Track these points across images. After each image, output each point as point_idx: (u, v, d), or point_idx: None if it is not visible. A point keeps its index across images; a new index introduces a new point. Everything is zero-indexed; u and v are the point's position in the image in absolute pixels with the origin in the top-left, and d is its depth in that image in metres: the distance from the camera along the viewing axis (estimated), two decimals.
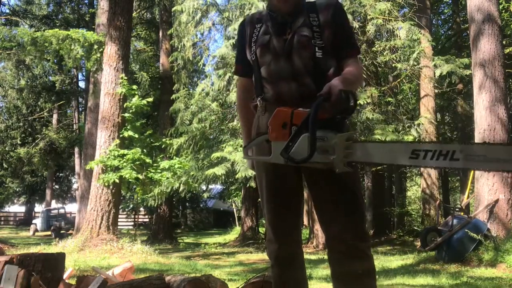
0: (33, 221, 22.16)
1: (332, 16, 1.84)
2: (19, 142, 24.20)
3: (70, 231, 16.42)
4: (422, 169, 11.66)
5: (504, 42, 9.24)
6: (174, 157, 10.60)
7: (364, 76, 10.27)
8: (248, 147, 1.99)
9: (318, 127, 1.61)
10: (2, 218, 30.60)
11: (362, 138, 9.17)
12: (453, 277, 5.23)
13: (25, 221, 27.21)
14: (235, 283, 4.37)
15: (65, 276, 3.31)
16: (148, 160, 9.30)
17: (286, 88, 1.82)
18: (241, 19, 9.74)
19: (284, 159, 1.68)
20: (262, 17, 1.95)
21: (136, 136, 9.33)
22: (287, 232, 1.90)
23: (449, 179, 20.47)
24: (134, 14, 15.51)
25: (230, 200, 26.55)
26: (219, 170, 9.34)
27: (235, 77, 8.10)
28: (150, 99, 10.04)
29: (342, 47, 1.86)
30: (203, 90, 10.65)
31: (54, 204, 27.59)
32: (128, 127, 9.32)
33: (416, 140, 9.38)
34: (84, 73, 23.71)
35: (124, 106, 9.33)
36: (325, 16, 1.85)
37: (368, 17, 9.53)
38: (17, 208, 33.17)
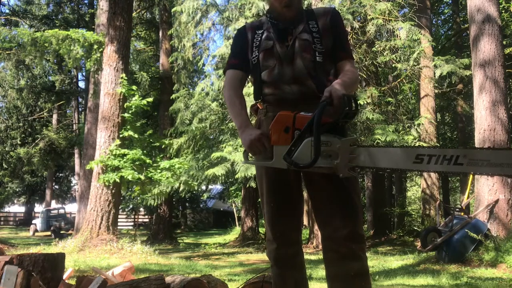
0: (33, 221, 22.15)
1: (331, 22, 1.91)
2: (19, 142, 24.17)
3: (70, 231, 16.45)
4: None
5: (504, 42, 9.24)
6: (174, 157, 10.59)
7: (364, 76, 10.26)
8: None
9: (322, 131, 1.60)
10: (2, 218, 30.57)
11: (362, 139, 9.16)
12: (454, 278, 5.22)
13: (25, 221, 27.21)
14: (235, 283, 4.36)
15: (65, 276, 3.30)
16: (148, 160, 9.30)
17: (288, 90, 1.84)
18: (241, 19, 9.79)
19: (287, 163, 1.66)
20: (262, 24, 1.97)
21: (136, 136, 9.32)
22: (286, 232, 1.90)
23: (449, 179, 20.46)
24: (134, 14, 15.51)
25: (230, 200, 26.53)
26: (219, 170, 9.33)
27: None
28: (150, 99, 10.03)
29: (337, 50, 1.90)
30: (203, 90, 10.64)
31: (54, 204, 27.60)
32: (128, 127, 9.31)
33: (416, 139, 9.37)
34: (84, 73, 23.72)
35: (124, 106, 9.32)
36: (324, 22, 1.90)
37: (368, 17, 9.53)
38: (17, 208, 33.16)
